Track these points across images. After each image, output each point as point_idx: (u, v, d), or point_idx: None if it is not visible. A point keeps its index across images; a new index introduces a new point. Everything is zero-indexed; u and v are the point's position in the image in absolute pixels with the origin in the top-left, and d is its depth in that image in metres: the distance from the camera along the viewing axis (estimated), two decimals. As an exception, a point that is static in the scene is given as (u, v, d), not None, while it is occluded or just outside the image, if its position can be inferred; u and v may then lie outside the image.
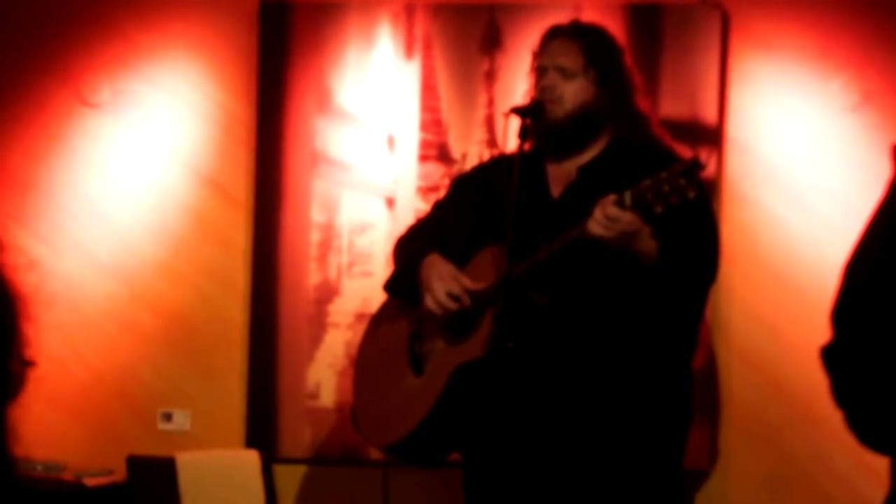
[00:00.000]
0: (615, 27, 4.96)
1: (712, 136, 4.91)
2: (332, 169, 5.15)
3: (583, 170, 3.91)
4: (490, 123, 5.07)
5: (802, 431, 4.87)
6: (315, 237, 5.15)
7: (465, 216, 4.00)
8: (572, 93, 3.89)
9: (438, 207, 4.27)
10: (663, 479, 3.86)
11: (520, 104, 3.91)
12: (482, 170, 4.24)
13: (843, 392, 2.40)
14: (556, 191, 3.94)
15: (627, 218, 3.53)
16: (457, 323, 3.90)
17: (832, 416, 2.46)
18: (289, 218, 5.16)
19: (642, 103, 4.05)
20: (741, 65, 4.99)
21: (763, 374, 4.91)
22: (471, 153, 5.07)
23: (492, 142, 5.04)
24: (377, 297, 5.09)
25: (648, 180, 3.48)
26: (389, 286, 4.25)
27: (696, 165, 3.44)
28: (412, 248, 4.09)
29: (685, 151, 4.88)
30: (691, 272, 3.79)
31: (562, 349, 3.78)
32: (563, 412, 3.78)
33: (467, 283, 3.87)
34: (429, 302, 3.89)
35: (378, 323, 4.31)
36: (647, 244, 3.62)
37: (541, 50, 3.99)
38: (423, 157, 5.11)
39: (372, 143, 5.13)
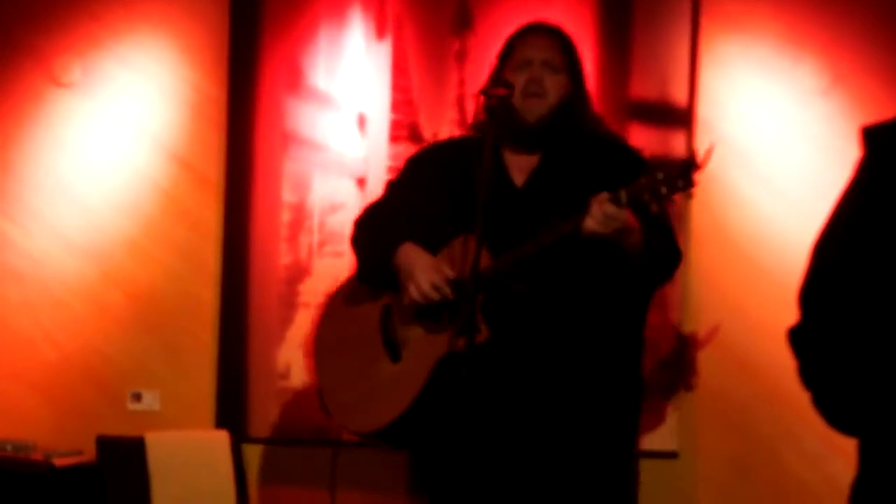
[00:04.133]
0: (588, 8, 4.98)
1: (682, 117, 4.93)
2: (303, 149, 5.14)
3: (545, 156, 3.96)
4: (461, 104, 5.07)
5: (770, 411, 4.90)
6: (286, 217, 5.14)
7: (426, 199, 3.99)
8: (556, 87, 3.96)
9: (395, 188, 4.21)
10: (622, 464, 3.98)
11: (491, 86, 3.91)
12: (439, 150, 4.21)
13: (810, 373, 2.41)
14: (518, 179, 3.98)
15: (623, 216, 3.61)
16: (431, 310, 3.90)
17: (799, 396, 2.48)
18: (260, 198, 5.15)
19: (595, 103, 4.16)
20: (712, 46, 5.00)
21: (731, 355, 4.93)
22: (442, 133, 5.07)
23: (462, 122, 5.04)
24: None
25: (644, 179, 3.56)
26: (362, 275, 4.19)
27: (693, 164, 3.51)
28: (380, 235, 4.06)
29: (642, 136, 4.89)
30: (667, 264, 3.92)
31: (538, 336, 3.82)
32: (537, 398, 3.81)
33: (449, 273, 3.87)
34: (413, 292, 3.86)
35: (339, 306, 4.26)
36: (636, 239, 3.72)
37: (521, 41, 4.03)
38: (395, 138, 5.11)
39: (343, 123, 5.13)
